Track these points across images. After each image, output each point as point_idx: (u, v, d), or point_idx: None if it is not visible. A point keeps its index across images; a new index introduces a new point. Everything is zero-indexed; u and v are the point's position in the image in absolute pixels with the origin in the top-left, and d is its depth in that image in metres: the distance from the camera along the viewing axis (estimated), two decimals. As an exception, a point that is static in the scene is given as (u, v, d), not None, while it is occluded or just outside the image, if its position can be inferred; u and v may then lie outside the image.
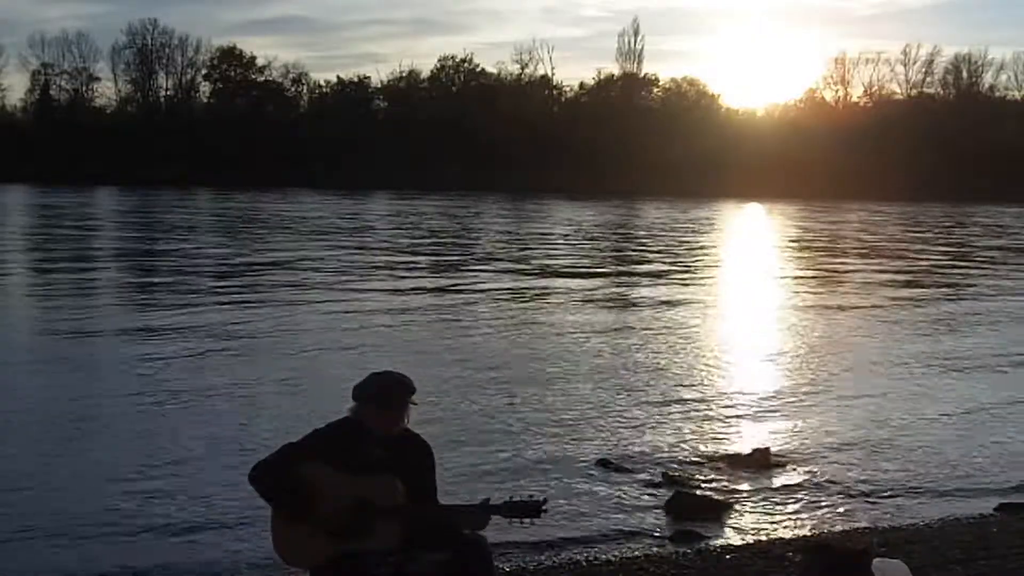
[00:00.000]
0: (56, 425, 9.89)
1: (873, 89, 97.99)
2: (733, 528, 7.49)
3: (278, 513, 4.87)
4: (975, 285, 24.57)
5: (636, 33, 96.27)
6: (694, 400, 11.49)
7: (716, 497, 8.11)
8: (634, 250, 33.36)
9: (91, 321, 16.22)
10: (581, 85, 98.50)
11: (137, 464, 8.57)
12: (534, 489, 7.36)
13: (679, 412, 10.89)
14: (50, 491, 7.90)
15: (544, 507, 4.88)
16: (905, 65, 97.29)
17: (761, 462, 9.03)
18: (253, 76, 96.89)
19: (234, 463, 8.12)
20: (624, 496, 8.12)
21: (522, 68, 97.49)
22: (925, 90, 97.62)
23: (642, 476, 8.64)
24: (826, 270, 27.88)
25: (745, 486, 8.48)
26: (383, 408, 4.91)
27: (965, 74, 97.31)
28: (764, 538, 7.22)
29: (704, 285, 23.67)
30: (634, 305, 19.79)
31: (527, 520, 4.84)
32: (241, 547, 6.81)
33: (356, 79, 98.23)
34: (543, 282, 23.22)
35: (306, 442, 4.96)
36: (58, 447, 9.13)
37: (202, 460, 8.77)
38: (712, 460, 9.18)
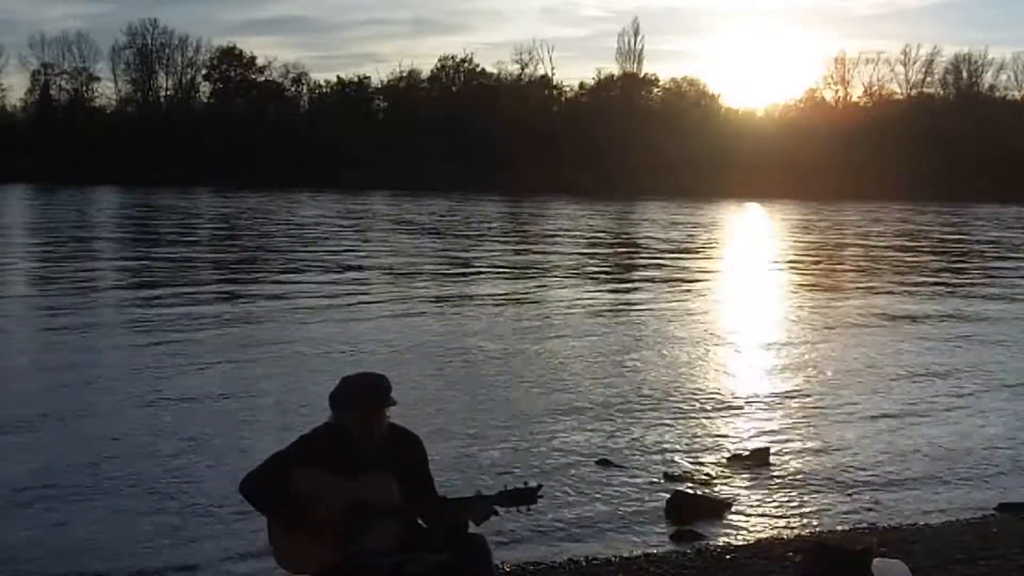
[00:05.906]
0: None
1: (873, 89, 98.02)
2: (733, 528, 7.48)
3: (275, 523, 4.82)
4: (977, 286, 24.55)
5: (636, 33, 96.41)
6: (694, 400, 11.47)
7: (716, 497, 8.10)
8: (634, 249, 33.34)
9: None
10: (581, 85, 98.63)
11: (143, 461, 8.58)
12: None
13: (679, 412, 10.88)
14: (45, 489, 7.88)
15: (539, 493, 4.82)
16: (905, 65, 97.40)
17: (761, 462, 9.04)
18: (253, 76, 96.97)
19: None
20: (624, 496, 8.11)
21: (522, 68, 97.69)
22: (925, 90, 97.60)
23: (642, 476, 8.63)
24: (826, 270, 27.87)
25: (745, 486, 8.47)
26: (363, 412, 4.81)
27: (965, 74, 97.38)
28: (764, 538, 7.21)
29: (704, 286, 23.65)
30: (634, 305, 19.76)
31: (523, 508, 4.78)
32: (238, 546, 6.79)
33: (356, 79, 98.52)
34: (542, 281, 23.24)
35: (295, 449, 4.90)
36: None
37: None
38: (712, 460, 9.17)
